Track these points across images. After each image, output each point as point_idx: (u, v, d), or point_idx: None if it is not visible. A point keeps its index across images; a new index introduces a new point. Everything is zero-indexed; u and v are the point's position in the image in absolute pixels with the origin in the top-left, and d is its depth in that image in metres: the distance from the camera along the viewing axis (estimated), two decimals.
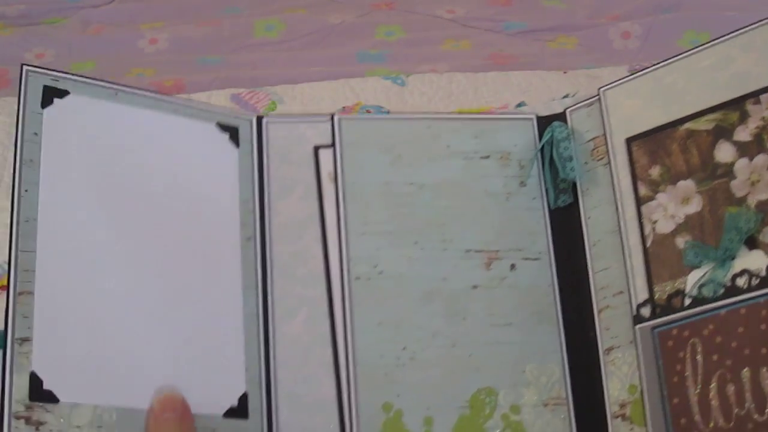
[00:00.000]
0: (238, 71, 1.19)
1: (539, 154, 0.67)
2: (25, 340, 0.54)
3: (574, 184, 0.66)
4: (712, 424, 0.55)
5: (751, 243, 0.57)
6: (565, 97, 0.96)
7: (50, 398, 0.54)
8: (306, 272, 0.62)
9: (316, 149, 0.65)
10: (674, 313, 0.59)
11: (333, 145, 0.65)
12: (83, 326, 0.56)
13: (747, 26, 0.61)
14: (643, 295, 0.61)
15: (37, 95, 0.59)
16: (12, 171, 0.57)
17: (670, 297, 0.59)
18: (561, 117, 0.68)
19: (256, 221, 0.63)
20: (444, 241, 0.63)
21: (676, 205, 0.61)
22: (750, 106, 0.60)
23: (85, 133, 0.60)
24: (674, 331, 0.58)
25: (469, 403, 0.60)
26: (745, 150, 0.59)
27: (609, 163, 0.65)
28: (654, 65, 0.65)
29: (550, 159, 0.66)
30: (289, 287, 0.61)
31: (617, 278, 0.62)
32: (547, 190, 0.66)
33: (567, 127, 0.67)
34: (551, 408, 0.61)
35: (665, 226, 0.61)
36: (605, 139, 0.65)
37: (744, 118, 0.59)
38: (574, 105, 0.68)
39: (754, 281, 0.56)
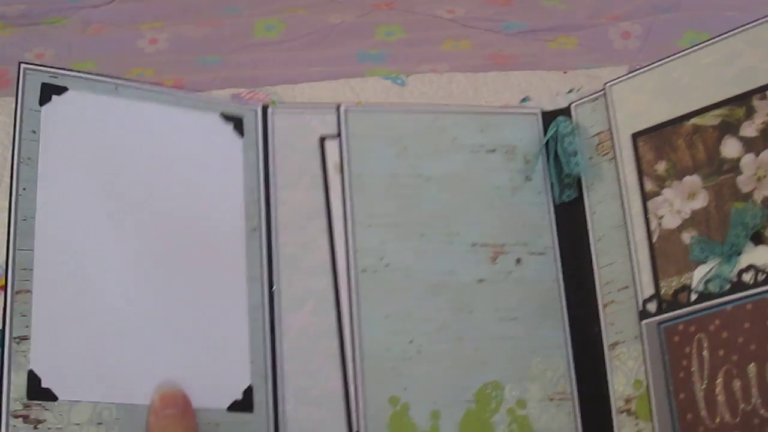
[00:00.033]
0: (238, 71, 1.19)
1: (544, 149, 0.67)
2: (23, 338, 0.54)
3: (579, 179, 0.66)
4: (718, 420, 0.55)
5: (757, 238, 0.57)
6: (570, 92, 0.96)
7: (49, 396, 0.53)
8: (312, 264, 0.61)
9: (322, 140, 0.65)
10: (680, 308, 0.59)
11: (339, 136, 0.65)
12: (82, 324, 0.55)
13: (753, 22, 0.61)
14: (649, 291, 0.61)
15: (35, 93, 0.59)
16: (10, 169, 0.57)
17: (677, 292, 0.59)
18: (565, 112, 0.68)
19: (261, 212, 0.62)
20: (450, 234, 0.63)
21: (682, 201, 0.61)
22: (756, 102, 0.60)
23: (84, 129, 0.60)
24: (680, 326, 0.58)
25: (475, 397, 0.60)
26: (752, 145, 0.59)
27: (615, 158, 0.65)
28: (660, 60, 0.64)
29: (555, 154, 0.66)
30: (295, 279, 0.61)
31: (622, 273, 0.62)
32: (552, 185, 0.66)
33: (572, 122, 0.67)
34: (556, 403, 0.61)
35: (671, 222, 0.61)
36: (611, 134, 0.65)
37: (750, 113, 0.59)
38: (579, 100, 0.68)
39: (761, 277, 0.56)
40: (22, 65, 0.59)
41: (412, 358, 0.60)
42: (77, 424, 0.53)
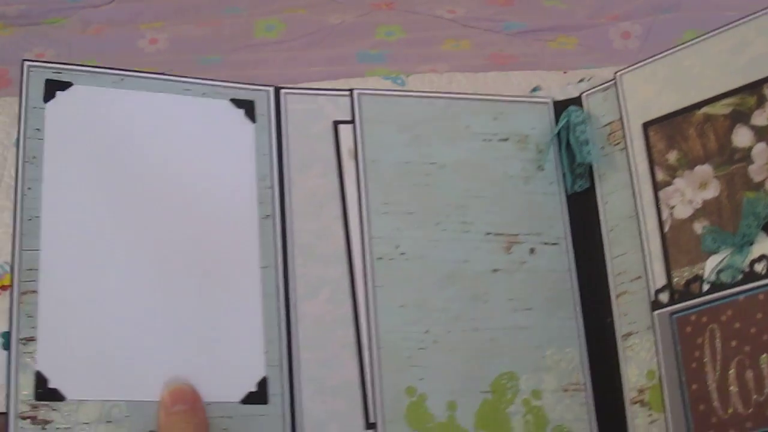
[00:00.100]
0: (238, 71, 1.19)
1: (556, 139, 0.67)
2: (30, 339, 0.53)
3: (591, 169, 0.65)
4: (731, 410, 0.55)
5: None
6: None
7: (56, 397, 0.53)
8: (327, 251, 0.61)
9: (336, 124, 0.64)
10: (692, 298, 0.59)
11: (352, 121, 0.64)
12: (89, 322, 0.55)
13: (763, 9, 0.61)
14: (661, 281, 0.60)
15: (38, 90, 0.58)
16: (14, 168, 0.57)
17: (689, 282, 0.59)
18: (577, 101, 0.68)
19: (274, 198, 0.61)
20: (465, 223, 0.63)
21: (693, 190, 0.61)
22: (767, 90, 0.59)
23: (90, 124, 0.59)
24: (692, 317, 0.58)
25: (491, 388, 0.60)
26: (763, 134, 0.59)
27: (626, 147, 0.64)
28: (670, 49, 0.64)
29: (567, 143, 0.66)
30: (310, 266, 0.60)
31: (634, 263, 0.62)
32: (564, 175, 0.66)
33: (583, 111, 0.67)
34: (570, 393, 0.61)
35: (683, 212, 0.61)
36: (622, 123, 0.65)
37: (761, 102, 0.59)
38: (590, 89, 0.68)
39: None
40: (26, 62, 0.59)
41: (428, 347, 0.60)
42: (86, 423, 0.53)
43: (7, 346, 0.53)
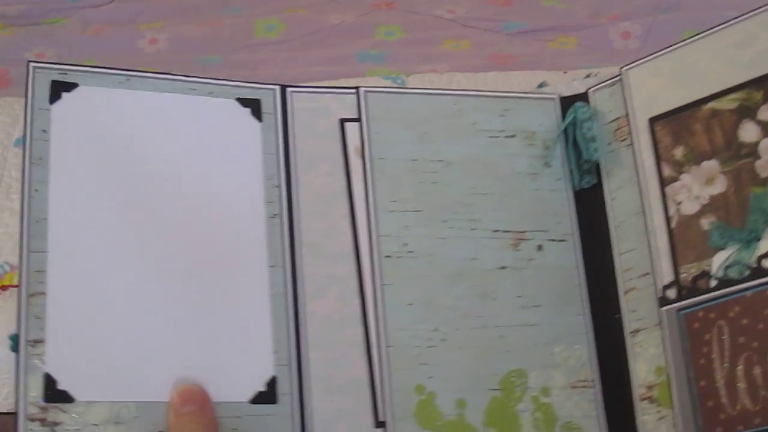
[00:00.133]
0: (238, 71, 1.19)
1: (563, 135, 0.66)
2: (38, 341, 0.53)
3: (598, 165, 0.65)
4: (739, 407, 0.55)
5: None
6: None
7: (65, 398, 0.53)
8: (335, 250, 0.60)
9: (342, 122, 0.64)
10: (700, 294, 0.58)
11: (359, 118, 0.64)
12: (98, 324, 0.55)
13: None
14: (669, 277, 0.60)
15: (44, 91, 0.58)
16: (20, 170, 0.57)
17: (696, 279, 0.59)
18: (583, 97, 0.68)
19: (282, 197, 0.61)
20: (472, 220, 0.63)
21: (700, 186, 0.60)
22: None
23: (96, 125, 0.59)
24: (700, 313, 0.58)
25: (500, 385, 0.60)
26: None
27: (632, 143, 0.64)
28: (676, 44, 0.64)
29: (574, 139, 0.66)
30: (318, 265, 0.60)
31: (642, 260, 0.62)
32: (571, 171, 0.66)
33: (590, 108, 0.66)
34: (579, 390, 0.61)
35: (690, 207, 0.61)
36: (628, 119, 0.65)
37: None
38: (596, 85, 0.67)
39: None
40: (31, 63, 0.59)
41: (436, 346, 0.59)
42: (95, 424, 0.53)
43: (15, 349, 0.53)
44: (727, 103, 0.61)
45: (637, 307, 0.62)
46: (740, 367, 0.55)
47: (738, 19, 0.62)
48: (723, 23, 0.63)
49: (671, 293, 0.60)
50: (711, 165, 0.61)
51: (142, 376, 0.55)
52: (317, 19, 1.29)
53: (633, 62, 0.66)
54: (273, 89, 0.64)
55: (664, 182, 0.62)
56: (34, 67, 0.58)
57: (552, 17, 1.34)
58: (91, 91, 0.59)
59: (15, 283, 0.98)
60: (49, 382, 0.53)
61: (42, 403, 0.52)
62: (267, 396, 0.57)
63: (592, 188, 0.65)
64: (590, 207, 0.65)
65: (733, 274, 0.58)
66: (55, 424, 0.52)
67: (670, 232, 0.61)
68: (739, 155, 0.59)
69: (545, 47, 1.30)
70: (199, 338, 0.56)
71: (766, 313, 0.55)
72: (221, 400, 0.55)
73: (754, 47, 0.61)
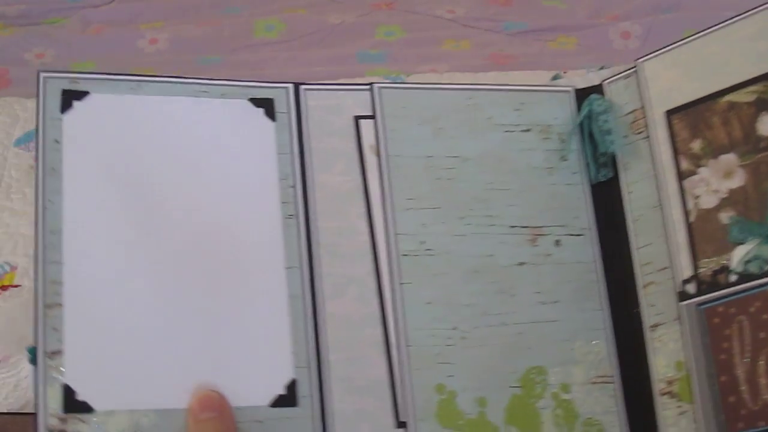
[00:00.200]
0: (238, 71, 1.19)
1: (578, 128, 0.66)
2: (56, 353, 0.53)
3: (614, 158, 0.65)
4: (761, 402, 0.55)
5: None
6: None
7: (85, 408, 0.53)
8: (352, 249, 0.60)
9: (357, 119, 0.63)
10: (720, 289, 0.58)
11: (374, 115, 0.63)
12: (115, 332, 0.54)
13: None
14: (688, 272, 0.60)
15: (56, 101, 0.58)
16: (35, 181, 0.56)
17: (716, 273, 0.59)
18: (598, 89, 0.67)
19: (297, 197, 0.60)
20: (489, 216, 0.62)
21: (718, 180, 0.60)
22: None
23: (108, 133, 0.58)
24: (720, 308, 0.58)
25: (520, 383, 0.59)
26: None
27: (649, 136, 0.64)
28: (693, 35, 0.64)
29: (590, 132, 0.65)
30: (336, 265, 0.59)
31: (660, 254, 0.61)
32: (587, 165, 0.65)
33: (606, 100, 0.66)
34: (599, 386, 0.60)
35: (708, 201, 0.60)
36: (644, 111, 0.64)
37: None
38: (611, 77, 0.67)
39: None
40: (41, 73, 0.58)
41: (456, 344, 0.59)
42: None
43: (34, 361, 0.53)
44: (745, 96, 0.60)
45: (656, 302, 0.61)
46: (761, 363, 0.55)
47: (754, 10, 0.61)
48: (738, 15, 0.62)
49: (691, 288, 0.59)
50: (729, 158, 0.60)
51: (160, 384, 0.54)
52: (317, 19, 1.29)
53: (648, 54, 0.65)
54: (286, 88, 0.63)
55: (681, 176, 0.62)
56: (45, 77, 0.58)
57: (552, 17, 1.34)
58: (103, 99, 0.59)
59: (15, 283, 0.98)
60: (68, 393, 0.53)
61: (62, 414, 0.52)
62: (287, 399, 0.56)
63: (609, 182, 0.65)
64: (607, 201, 0.65)
65: (753, 268, 0.57)
66: None
67: (689, 226, 0.61)
68: (757, 148, 0.59)
69: (545, 47, 1.30)
70: (217, 343, 0.56)
71: None
72: (241, 404, 0.55)
73: None
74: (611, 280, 0.63)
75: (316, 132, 0.62)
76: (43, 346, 0.53)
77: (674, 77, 0.63)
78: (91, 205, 0.56)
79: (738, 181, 0.59)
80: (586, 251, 0.63)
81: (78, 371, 0.53)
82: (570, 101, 0.67)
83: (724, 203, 0.60)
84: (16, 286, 0.98)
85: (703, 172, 0.61)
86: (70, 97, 0.58)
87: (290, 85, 0.63)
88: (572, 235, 0.63)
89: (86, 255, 0.55)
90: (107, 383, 0.53)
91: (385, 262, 0.60)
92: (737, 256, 0.58)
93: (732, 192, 0.59)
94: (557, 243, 0.63)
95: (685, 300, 0.59)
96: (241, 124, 0.61)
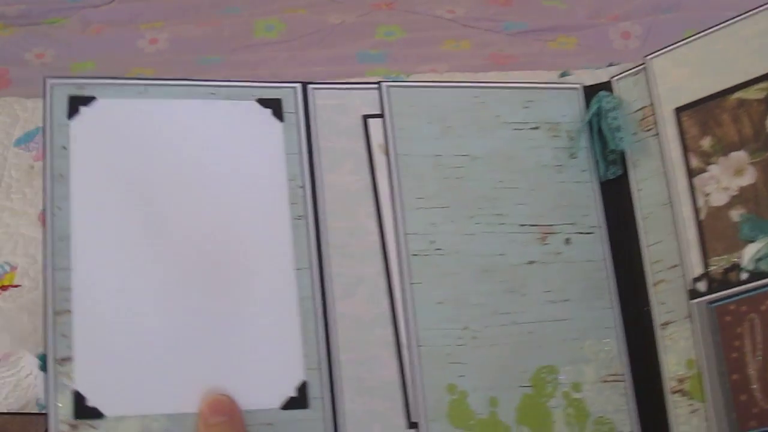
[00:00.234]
0: (238, 71, 1.18)
1: (587, 125, 0.66)
2: (66, 359, 0.53)
3: (623, 156, 0.64)
4: None
5: None
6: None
7: (95, 414, 0.53)
8: (361, 249, 0.59)
9: (365, 118, 0.62)
10: (731, 287, 0.58)
11: (382, 114, 0.63)
12: (125, 338, 0.54)
13: None
14: (699, 269, 0.59)
15: (62, 107, 0.57)
16: (42, 187, 0.56)
17: (726, 271, 0.58)
18: (606, 86, 0.67)
19: (306, 198, 0.60)
20: (499, 215, 0.62)
21: (729, 177, 0.60)
22: None
23: (116, 138, 0.58)
24: (731, 306, 0.57)
25: (531, 382, 0.59)
26: None
27: (658, 133, 0.63)
28: (701, 32, 0.63)
29: (599, 130, 0.65)
30: (346, 265, 0.59)
31: (671, 252, 0.61)
32: (596, 162, 0.65)
33: (615, 97, 0.65)
34: (611, 384, 0.60)
35: (719, 199, 0.60)
36: (653, 109, 0.64)
37: None
38: (620, 74, 0.66)
39: None
40: (48, 80, 0.58)
41: (467, 344, 0.58)
42: None
43: (44, 368, 0.53)
44: (755, 93, 0.60)
45: (667, 300, 0.61)
46: None
47: (762, 7, 0.61)
48: (746, 12, 0.62)
49: (701, 286, 0.59)
50: (739, 156, 0.60)
51: (171, 389, 0.54)
52: (317, 19, 1.29)
53: (656, 51, 0.65)
54: (294, 87, 0.62)
55: (691, 173, 0.61)
56: (52, 84, 0.58)
57: (552, 17, 1.34)
58: (109, 104, 0.58)
59: (15, 283, 0.97)
60: (79, 399, 0.53)
61: (72, 421, 0.52)
62: (298, 401, 0.56)
63: (618, 179, 0.64)
64: (617, 198, 0.64)
65: (764, 266, 0.57)
66: None
67: (699, 224, 0.60)
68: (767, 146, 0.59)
69: (545, 47, 1.30)
70: (227, 346, 0.55)
71: None
72: (252, 407, 0.55)
73: None
74: (621, 278, 0.63)
75: (324, 132, 0.62)
76: (53, 352, 0.53)
77: (683, 74, 0.63)
78: (99, 210, 0.56)
79: (748, 178, 0.59)
80: (596, 249, 0.63)
81: (88, 377, 0.53)
82: (578, 98, 0.66)
83: (734, 201, 0.59)
84: (16, 286, 0.97)
85: (714, 169, 0.61)
86: (76, 103, 0.58)
87: (298, 85, 0.62)
88: (582, 233, 0.63)
89: (95, 261, 0.55)
90: (117, 389, 0.53)
91: (395, 261, 0.59)
92: (748, 254, 0.58)
93: (742, 189, 0.59)
94: (567, 241, 0.63)
95: (695, 298, 0.59)
96: (248, 126, 0.61)
